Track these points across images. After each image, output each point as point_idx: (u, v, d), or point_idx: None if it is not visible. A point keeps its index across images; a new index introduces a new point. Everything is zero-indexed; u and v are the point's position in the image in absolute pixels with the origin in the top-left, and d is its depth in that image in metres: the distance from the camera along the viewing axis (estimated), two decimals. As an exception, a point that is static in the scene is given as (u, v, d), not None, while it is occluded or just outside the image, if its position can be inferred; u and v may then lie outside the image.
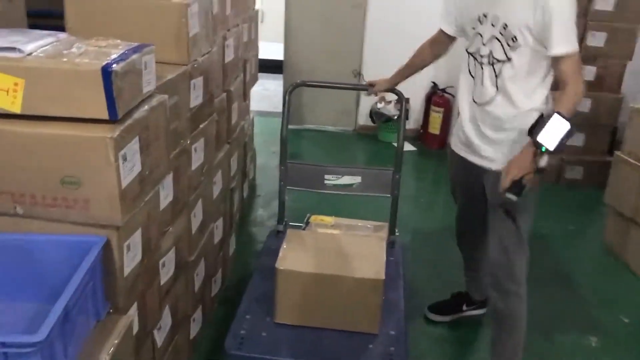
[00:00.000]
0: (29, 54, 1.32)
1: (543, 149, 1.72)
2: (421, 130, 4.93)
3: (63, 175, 1.35)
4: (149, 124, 1.51)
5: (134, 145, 1.42)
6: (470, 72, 2.09)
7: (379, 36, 4.79)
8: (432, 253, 3.27)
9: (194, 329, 2.34)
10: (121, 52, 1.41)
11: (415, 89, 4.88)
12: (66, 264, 1.34)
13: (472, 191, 2.28)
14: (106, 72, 1.30)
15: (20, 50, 1.31)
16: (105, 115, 1.34)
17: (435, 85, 4.80)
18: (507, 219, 2.07)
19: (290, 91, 2.55)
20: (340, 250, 2.23)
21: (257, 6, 7.35)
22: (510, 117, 1.99)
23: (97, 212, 1.38)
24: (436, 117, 4.70)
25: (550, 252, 3.38)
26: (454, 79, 4.60)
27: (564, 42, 1.83)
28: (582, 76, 1.90)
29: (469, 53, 2.09)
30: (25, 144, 1.33)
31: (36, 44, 1.36)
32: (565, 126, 1.70)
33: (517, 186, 1.76)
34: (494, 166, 2.06)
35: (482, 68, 2.02)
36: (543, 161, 1.72)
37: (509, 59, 1.93)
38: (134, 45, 1.49)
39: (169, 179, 1.79)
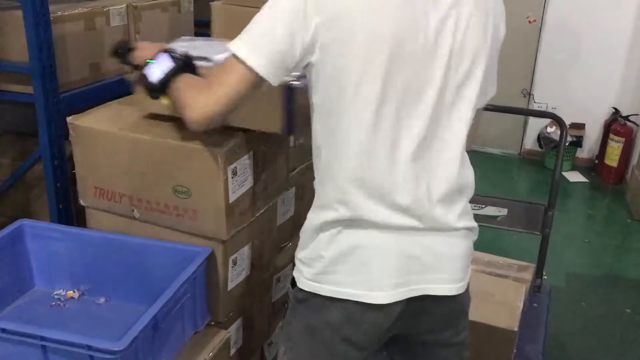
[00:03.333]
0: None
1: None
2: (596, 161, 4.40)
3: (175, 184, 1.36)
4: (267, 138, 1.48)
5: (245, 160, 1.39)
6: None
7: (554, 54, 4.37)
8: (590, 304, 2.86)
9: (312, 348, 2.28)
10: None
11: (593, 114, 4.37)
12: (172, 271, 1.34)
13: None
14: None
15: (209, 59, 1.31)
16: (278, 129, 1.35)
17: (616, 111, 4.24)
18: None
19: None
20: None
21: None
22: None
23: (203, 224, 1.38)
24: (615, 147, 4.15)
25: None
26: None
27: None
28: (215, 96, 1.07)
29: None
30: (144, 150, 1.37)
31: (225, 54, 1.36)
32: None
33: None
34: None
35: None
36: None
37: None
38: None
39: (289, 195, 1.75)
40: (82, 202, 1.52)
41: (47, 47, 1.65)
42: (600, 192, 4.21)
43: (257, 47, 1.04)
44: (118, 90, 1.96)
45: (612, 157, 4.19)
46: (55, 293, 1.47)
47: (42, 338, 1.12)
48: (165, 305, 1.21)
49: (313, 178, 1.18)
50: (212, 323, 1.48)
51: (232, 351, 1.56)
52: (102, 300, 1.46)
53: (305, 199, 1.89)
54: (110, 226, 1.49)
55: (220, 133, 1.36)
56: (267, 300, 1.76)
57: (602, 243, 3.52)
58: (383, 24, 1.00)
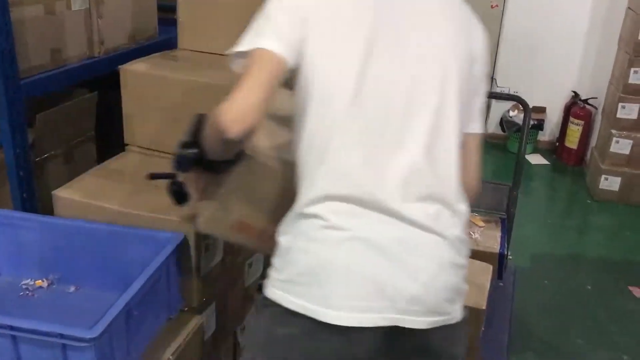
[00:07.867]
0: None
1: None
2: (557, 144, 4.51)
3: (145, 170, 1.34)
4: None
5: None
6: None
7: (516, 40, 4.45)
8: (553, 282, 2.95)
9: (284, 332, 2.30)
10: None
11: (553, 97, 4.47)
12: (143, 258, 1.33)
13: None
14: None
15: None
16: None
17: (576, 95, 4.35)
18: None
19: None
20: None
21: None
22: None
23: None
24: (574, 130, 4.26)
25: None
26: (598, 89, 4.15)
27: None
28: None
29: None
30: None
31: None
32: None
33: None
34: None
35: None
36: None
37: None
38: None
39: (260, 180, 1.74)
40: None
41: (6, 32, 1.59)
42: (561, 174, 4.33)
43: None
44: (80, 76, 1.92)
45: (572, 140, 4.30)
46: (23, 283, 1.43)
47: (12, 328, 1.09)
48: (138, 292, 1.20)
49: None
50: (186, 309, 1.47)
51: (206, 336, 1.56)
52: (72, 289, 1.43)
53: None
54: (78, 213, 1.45)
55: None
56: (240, 285, 1.76)
57: (563, 223, 3.62)
58: None
